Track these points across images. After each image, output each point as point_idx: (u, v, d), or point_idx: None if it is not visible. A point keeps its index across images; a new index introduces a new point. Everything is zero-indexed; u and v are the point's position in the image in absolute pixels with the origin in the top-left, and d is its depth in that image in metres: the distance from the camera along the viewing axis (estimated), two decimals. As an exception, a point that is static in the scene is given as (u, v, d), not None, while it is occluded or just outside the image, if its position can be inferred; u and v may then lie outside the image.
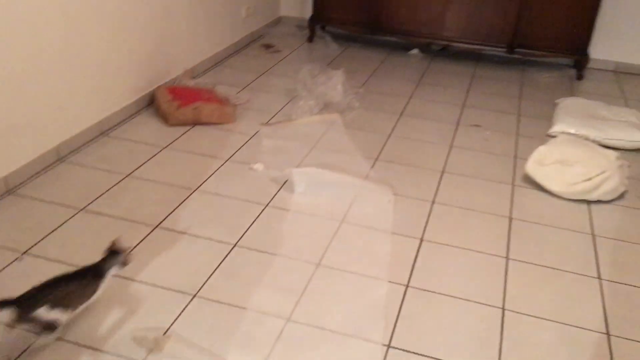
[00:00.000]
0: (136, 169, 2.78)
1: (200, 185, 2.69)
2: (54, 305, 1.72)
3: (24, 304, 1.67)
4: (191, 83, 3.66)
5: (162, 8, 3.40)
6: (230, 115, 3.32)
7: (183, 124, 3.21)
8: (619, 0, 4.41)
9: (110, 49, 3.02)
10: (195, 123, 3.24)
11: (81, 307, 1.82)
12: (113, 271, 1.88)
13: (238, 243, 2.32)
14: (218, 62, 4.20)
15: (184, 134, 3.14)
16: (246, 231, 2.39)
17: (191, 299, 2.01)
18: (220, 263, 2.20)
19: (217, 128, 3.25)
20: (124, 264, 1.91)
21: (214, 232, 2.37)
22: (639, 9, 4.41)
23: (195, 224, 2.42)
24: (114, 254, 1.89)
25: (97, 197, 2.54)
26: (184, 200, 2.57)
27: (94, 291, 1.83)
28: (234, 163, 2.91)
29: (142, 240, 2.29)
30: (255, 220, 2.47)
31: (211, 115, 3.26)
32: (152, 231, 2.35)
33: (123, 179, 2.68)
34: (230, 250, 2.27)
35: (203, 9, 3.87)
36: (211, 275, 2.14)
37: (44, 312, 1.70)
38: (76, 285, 1.79)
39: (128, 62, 3.19)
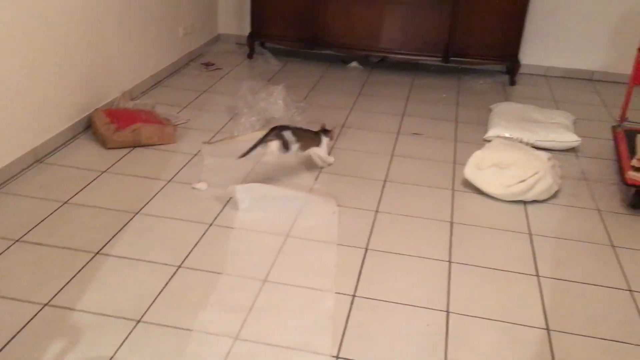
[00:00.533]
0: (74, 195, 2.71)
1: (142, 208, 2.64)
2: (294, 134, 2.90)
3: (280, 127, 2.91)
4: (130, 105, 3.61)
5: (93, 31, 3.35)
6: (171, 135, 3.29)
7: (122, 146, 3.16)
8: (545, 8, 4.62)
9: (40, 75, 2.95)
10: (135, 145, 3.19)
11: (305, 151, 3.00)
12: (325, 141, 3.06)
13: (182, 264, 2.29)
14: (157, 82, 4.15)
15: (123, 156, 3.09)
16: (190, 252, 2.37)
17: (135, 325, 1.97)
18: (165, 286, 2.17)
19: (158, 149, 3.21)
20: (331, 138, 3.13)
21: (158, 255, 2.33)
22: (564, 15, 4.63)
23: (138, 248, 2.37)
24: (325, 131, 3.09)
25: (34, 227, 2.46)
26: (125, 224, 2.52)
27: (316, 144, 3.02)
28: (176, 184, 2.88)
29: (82, 268, 2.23)
30: (199, 240, 2.45)
31: (151, 137, 3.22)
32: (92, 258, 2.29)
33: (61, 207, 2.61)
34: (175, 273, 2.24)
35: (137, 30, 3.83)
36: (155, 299, 2.10)
37: (288, 135, 2.88)
38: (309, 133, 3.03)
39: (61, 86, 3.12)
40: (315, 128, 3.13)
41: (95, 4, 3.33)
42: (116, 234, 2.45)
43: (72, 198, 2.69)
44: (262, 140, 2.85)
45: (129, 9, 3.70)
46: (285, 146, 2.87)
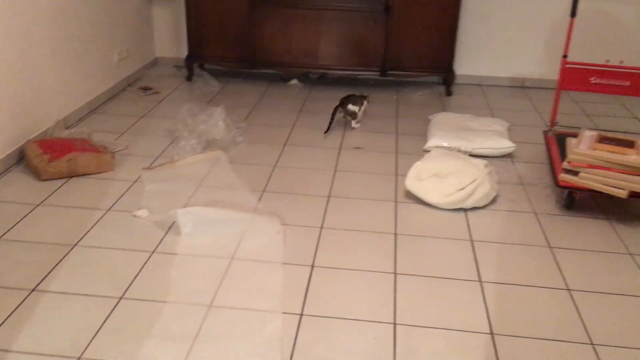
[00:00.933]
0: (7, 231, 2.60)
1: (80, 240, 2.57)
2: (353, 103, 3.85)
3: (344, 103, 3.84)
4: (65, 134, 3.51)
5: (22, 59, 3.25)
6: (108, 163, 3.21)
7: (58, 177, 3.07)
8: (476, 20, 4.78)
9: (-32, 107, 2.84)
10: (72, 175, 3.10)
11: (361, 110, 3.90)
12: (366, 102, 3.94)
13: (124, 295, 2.23)
14: (93, 109, 4.06)
15: (59, 188, 3.00)
16: (132, 282, 2.31)
17: (75, 363, 1.90)
18: (106, 319, 2.10)
19: (95, 178, 3.13)
20: (368, 101, 3.98)
21: (98, 287, 2.27)
22: (495, 26, 4.80)
23: (76, 282, 2.30)
24: (364, 96, 3.92)
25: (-36, 267, 2.35)
26: (62, 258, 2.44)
27: (363, 104, 3.91)
28: (116, 212, 2.81)
29: (17, 307, 2.14)
30: (141, 269, 2.39)
31: (88, 165, 3.14)
32: (28, 295, 2.20)
33: (-7, 244, 2.51)
34: (116, 305, 2.18)
35: (69, 58, 3.74)
36: (96, 333, 2.03)
37: (350, 107, 3.84)
38: (358, 98, 3.90)
39: (-10, 118, 3.01)
40: (359, 94, 3.96)
41: (23, 31, 3.24)
42: (53, 268, 2.37)
43: (5, 234, 2.58)
44: (334, 115, 3.84)
45: (60, 36, 3.61)
46: (351, 114, 3.89)
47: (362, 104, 3.92)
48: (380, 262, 2.50)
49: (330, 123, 3.83)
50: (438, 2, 4.39)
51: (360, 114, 3.91)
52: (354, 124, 3.92)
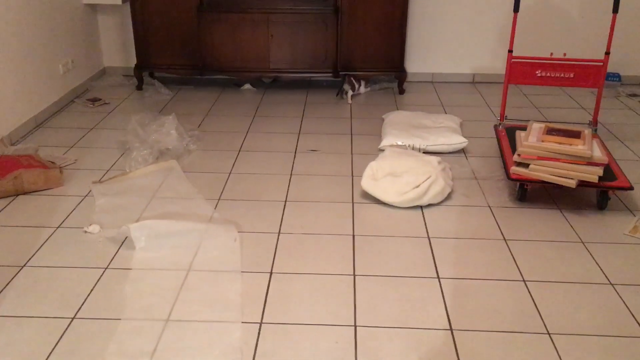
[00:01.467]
0: (-50, 255, 2.50)
1: (29, 261, 2.48)
2: (355, 79, 4.59)
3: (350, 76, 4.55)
4: (9, 150, 3.39)
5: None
6: (57, 178, 3.12)
7: (3, 196, 2.96)
8: (424, 19, 4.84)
9: None
10: (18, 193, 3.00)
11: (361, 87, 4.67)
12: (363, 82, 4.68)
13: (76, 315, 2.16)
14: (39, 124, 3.94)
15: (5, 207, 2.89)
16: (85, 300, 2.24)
17: (27, 389, 1.83)
18: (58, 341, 2.03)
19: (44, 195, 3.03)
20: (366, 86, 4.70)
21: (48, 308, 2.19)
22: (443, 23, 4.87)
23: (26, 304, 2.22)
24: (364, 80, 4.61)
25: None
26: (10, 280, 2.35)
27: (361, 83, 4.63)
28: (66, 229, 2.73)
29: (-37, 335, 2.05)
30: (94, 286, 2.33)
31: (35, 182, 3.04)
32: (-26, 322, 2.11)
33: None
34: (68, 325, 2.11)
35: (12, 70, 3.62)
36: (48, 356, 1.96)
37: (354, 80, 4.58)
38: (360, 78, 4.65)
39: None
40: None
41: (-41, 47, 3.12)
42: (0, 292, 2.27)
43: (-52, 259, 2.48)
44: (342, 86, 4.52)
45: (2, 50, 3.49)
46: (353, 87, 4.55)
47: (361, 84, 4.66)
48: (339, 265, 2.49)
49: (341, 88, 4.57)
50: (386, 1, 4.42)
51: (360, 90, 4.65)
52: (349, 99, 4.51)
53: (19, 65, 3.71)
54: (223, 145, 3.71)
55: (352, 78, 4.57)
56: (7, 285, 2.32)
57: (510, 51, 3.51)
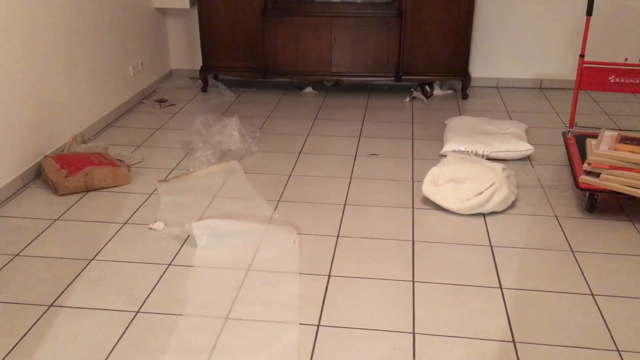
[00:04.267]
0: (25, 246, 2.62)
1: (97, 254, 2.57)
2: (429, 84, 4.65)
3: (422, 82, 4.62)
4: (81, 148, 3.54)
5: (38, 75, 3.29)
6: (124, 176, 3.23)
7: (75, 192, 3.08)
8: (491, 22, 4.73)
9: (-15, 125, 2.87)
10: (88, 189, 3.12)
11: (433, 90, 4.69)
12: (437, 86, 4.77)
13: (140, 309, 2.22)
14: (109, 123, 4.09)
15: (76, 202, 3.02)
16: (149, 295, 2.30)
17: (93, 378, 1.90)
18: (123, 334, 2.10)
19: (112, 191, 3.14)
20: (441, 88, 4.81)
21: (114, 301, 2.26)
22: (508, 28, 4.75)
23: (93, 296, 2.30)
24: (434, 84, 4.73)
25: (-17, 284, 2.37)
26: (80, 273, 2.44)
27: (434, 88, 4.75)
28: (132, 225, 2.82)
29: (35, 323, 2.14)
30: (157, 282, 2.39)
31: (104, 179, 3.15)
32: (45, 311, 2.21)
33: (10, 261, 2.52)
34: (133, 318, 2.17)
35: (86, 72, 3.77)
36: (114, 348, 2.03)
37: (427, 87, 4.61)
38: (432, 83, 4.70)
39: (7, 135, 3.04)
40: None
41: (40, 47, 3.28)
42: (70, 283, 2.37)
43: (23, 250, 2.60)
44: (412, 92, 4.57)
45: (76, 52, 3.65)
46: (425, 93, 4.64)
47: (433, 88, 4.70)
48: (398, 270, 2.46)
49: (411, 93, 4.61)
50: (451, 4, 4.35)
51: (434, 93, 4.70)
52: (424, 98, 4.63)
53: (93, 67, 3.87)
54: (284, 147, 3.74)
55: (425, 85, 4.65)
56: (76, 277, 2.42)
57: (582, 56, 3.38)
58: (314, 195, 3.11)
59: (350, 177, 3.32)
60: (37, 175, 3.27)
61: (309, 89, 4.87)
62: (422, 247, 2.63)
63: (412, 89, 4.64)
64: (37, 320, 2.16)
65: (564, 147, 3.52)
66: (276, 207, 2.99)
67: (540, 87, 4.88)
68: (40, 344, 2.04)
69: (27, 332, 2.10)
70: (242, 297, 2.30)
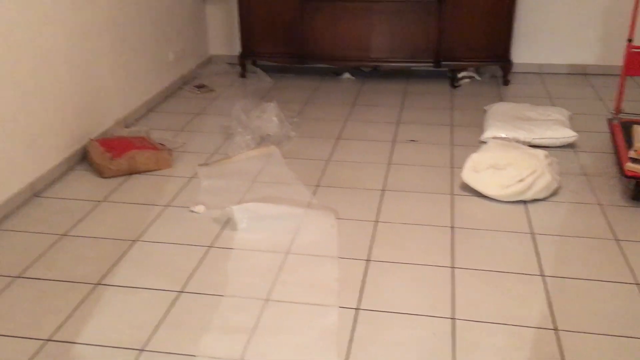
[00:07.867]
0: (72, 227, 2.70)
1: (141, 236, 2.63)
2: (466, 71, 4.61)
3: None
4: (124, 132, 3.61)
5: (84, 61, 3.37)
6: (166, 160, 3.29)
7: (119, 174, 3.16)
8: (533, 6, 4.62)
9: (32, 108, 2.95)
10: (132, 172, 3.19)
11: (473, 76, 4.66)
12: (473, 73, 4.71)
13: (183, 289, 2.27)
14: (151, 108, 4.16)
15: (120, 185, 3.09)
16: (191, 276, 2.35)
17: (138, 355, 1.95)
18: (166, 313, 2.15)
19: (154, 175, 3.21)
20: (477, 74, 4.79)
21: (158, 281, 2.32)
22: (553, 12, 4.64)
23: (138, 276, 2.36)
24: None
25: (33, 262, 2.45)
26: (124, 253, 2.51)
27: (473, 75, 4.70)
28: (174, 208, 2.87)
29: (82, 300, 2.22)
30: (199, 263, 2.44)
31: (147, 163, 3.22)
32: (92, 289, 2.28)
33: (59, 240, 2.61)
34: (176, 298, 2.22)
35: (126, 59, 3.84)
36: (157, 326, 2.08)
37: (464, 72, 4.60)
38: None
39: (54, 119, 3.12)
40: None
41: (87, 34, 3.35)
42: (115, 263, 2.44)
43: (70, 230, 2.68)
44: (459, 78, 4.56)
45: (119, 38, 3.72)
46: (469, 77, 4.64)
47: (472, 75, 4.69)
48: (437, 256, 2.46)
49: (458, 80, 4.59)
50: (493, -11, 4.27)
51: (470, 78, 4.67)
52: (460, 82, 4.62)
53: (136, 54, 3.93)
54: (322, 132, 3.75)
55: (471, 70, 4.68)
56: (121, 257, 2.48)
57: (629, 40, 3.28)
58: (352, 181, 3.11)
59: (389, 163, 3.31)
60: (82, 158, 3.35)
61: (346, 75, 4.86)
62: (462, 234, 2.61)
63: (457, 75, 4.61)
64: (85, 298, 2.24)
65: (608, 135, 3.44)
66: (314, 192, 3.00)
67: (585, 73, 4.76)
68: (87, 321, 2.11)
69: (75, 309, 2.18)
70: (282, 280, 2.33)
